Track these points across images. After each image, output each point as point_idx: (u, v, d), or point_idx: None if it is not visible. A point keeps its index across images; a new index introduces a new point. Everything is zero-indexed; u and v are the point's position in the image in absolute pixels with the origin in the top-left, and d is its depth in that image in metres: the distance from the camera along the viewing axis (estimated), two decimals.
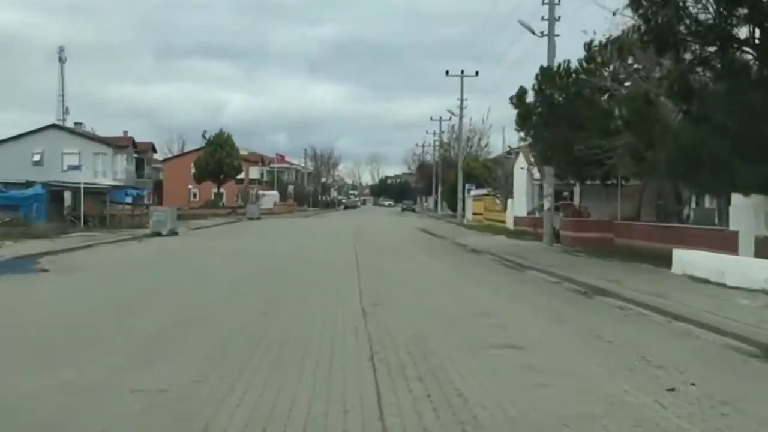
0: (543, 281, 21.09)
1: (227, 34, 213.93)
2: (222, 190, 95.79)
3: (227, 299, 15.74)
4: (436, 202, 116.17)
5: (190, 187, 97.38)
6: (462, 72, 71.21)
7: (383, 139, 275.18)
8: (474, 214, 70.44)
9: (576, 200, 39.12)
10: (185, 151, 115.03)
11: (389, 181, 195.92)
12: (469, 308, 14.65)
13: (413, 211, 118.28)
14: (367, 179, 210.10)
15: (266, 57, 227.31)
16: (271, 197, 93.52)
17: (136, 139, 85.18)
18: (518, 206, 49.01)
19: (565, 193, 39.97)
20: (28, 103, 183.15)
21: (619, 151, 28.32)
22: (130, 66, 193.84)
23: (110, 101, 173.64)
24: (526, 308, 15.18)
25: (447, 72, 71.26)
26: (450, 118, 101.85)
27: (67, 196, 51.83)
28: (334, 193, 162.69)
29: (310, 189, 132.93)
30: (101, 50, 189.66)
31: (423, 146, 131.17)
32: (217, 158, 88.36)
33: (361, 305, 14.70)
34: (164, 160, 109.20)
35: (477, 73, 73.36)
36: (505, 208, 61.57)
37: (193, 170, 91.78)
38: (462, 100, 70.13)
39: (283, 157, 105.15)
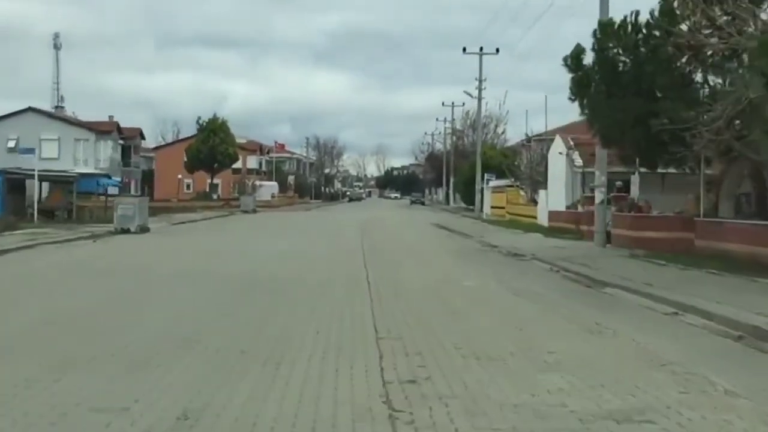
0: (650, 312, 13.94)
1: (229, 22, 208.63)
2: (217, 180, 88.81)
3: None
4: (447, 195, 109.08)
5: (180, 176, 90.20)
6: (481, 49, 64.05)
7: (389, 130, 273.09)
8: (493, 207, 63.27)
9: (634, 192, 31.92)
10: (180, 138, 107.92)
11: (395, 173, 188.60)
12: (585, 393, 7.56)
13: (423, 203, 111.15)
14: (372, 171, 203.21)
15: (269, 46, 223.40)
16: (269, 188, 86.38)
17: (127, 125, 78.05)
18: (555, 198, 41.76)
19: (618, 183, 32.78)
20: (28, 93, 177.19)
21: (708, 127, 21.24)
22: (130, 55, 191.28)
23: (109, 91, 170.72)
24: (698, 397, 7.98)
25: (464, 49, 64.02)
26: (463, 105, 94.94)
27: (30, 184, 44.67)
28: (338, 185, 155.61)
29: (313, 180, 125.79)
30: (100, 39, 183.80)
31: (433, 135, 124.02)
32: (211, 145, 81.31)
33: (385, 396, 7.51)
34: (156, 149, 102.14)
35: (497, 50, 65.93)
36: (531, 201, 54.61)
37: (184, 159, 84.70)
38: (480, 81, 62.99)
39: (282, 146, 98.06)
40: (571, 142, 41.20)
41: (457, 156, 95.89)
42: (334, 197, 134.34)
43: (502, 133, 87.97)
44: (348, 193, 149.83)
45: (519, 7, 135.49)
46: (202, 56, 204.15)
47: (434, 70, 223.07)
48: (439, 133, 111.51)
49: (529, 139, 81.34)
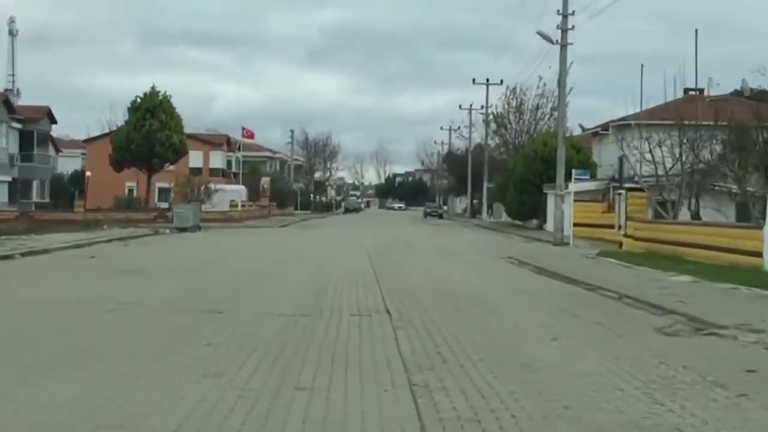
0: None
1: (218, 19, 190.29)
2: (165, 183, 63.67)
3: None
4: (474, 205, 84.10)
5: (89, 175, 64.74)
6: None
7: (389, 135, 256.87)
8: (578, 225, 38.56)
9: None
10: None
11: (399, 180, 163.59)
12: None
13: (440, 216, 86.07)
14: (371, 178, 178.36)
15: (261, 45, 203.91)
16: (230, 194, 61.22)
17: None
18: None
19: None
20: None
21: None
22: (111, 54, 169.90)
23: (88, 92, 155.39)
24: None
25: None
26: (501, 83, 70.13)
27: None
28: (331, 193, 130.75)
29: (300, 186, 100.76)
30: (79, 36, 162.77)
31: (450, 130, 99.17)
32: (146, 132, 56.37)
33: None
34: (87, 141, 77.11)
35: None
36: (657, 217, 30.79)
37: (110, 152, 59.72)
38: (566, 14, 37.82)
39: (251, 134, 72.58)
40: None
41: (495, 154, 71.09)
42: (326, 207, 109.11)
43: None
44: (344, 203, 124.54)
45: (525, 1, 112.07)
46: (189, 55, 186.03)
47: (438, 71, 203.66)
48: (458, 128, 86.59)
49: (606, 127, 56.95)
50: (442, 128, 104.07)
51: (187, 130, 63.17)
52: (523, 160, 53.80)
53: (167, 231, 41.76)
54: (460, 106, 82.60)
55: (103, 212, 51.21)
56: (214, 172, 76.41)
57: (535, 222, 55.55)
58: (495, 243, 38.20)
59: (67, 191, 73.65)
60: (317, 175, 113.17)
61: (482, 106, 71.07)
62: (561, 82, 39.24)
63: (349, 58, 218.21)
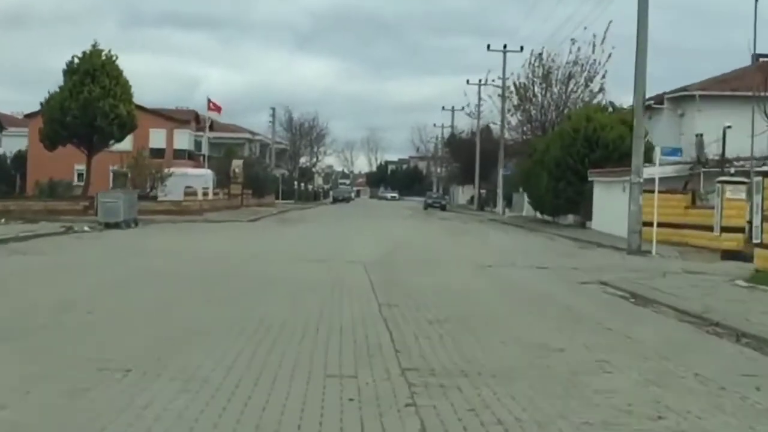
0: None
1: (203, 0, 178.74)
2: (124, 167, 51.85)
3: None
4: (482, 196, 72.76)
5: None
6: None
7: (380, 123, 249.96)
8: (663, 225, 27.34)
9: None
10: None
11: (392, 168, 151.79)
12: None
13: (443, 208, 74.41)
14: (362, 166, 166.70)
15: (247, 28, 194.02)
16: (188, 180, 49.42)
17: None
18: None
19: None
20: None
21: None
22: (90, 35, 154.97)
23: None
24: None
25: None
26: (521, 50, 58.98)
27: None
28: (319, 181, 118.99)
29: (283, 173, 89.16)
30: (59, 16, 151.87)
31: (452, 110, 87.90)
32: (85, 100, 44.71)
33: None
34: (30, 116, 65.18)
35: None
36: None
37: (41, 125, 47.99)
38: None
39: (219, 107, 60.12)
40: None
41: (510, 134, 59.64)
42: (313, 196, 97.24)
43: (599, 90, 51.63)
44: (332, 192, 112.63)
45: None
46: (172, 37, 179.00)
47: (431, 56, 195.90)
48: (466, 106, 74.88)
49: (659, 99, 46.03)
50: (444, 108, 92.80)
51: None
52: (559, 140, 42.42)
53: (86, 228, 30.26)
54: (467, 81, 71.19)
55: (19, 200, 39.63)
56: (179, 154, 64.82)
57: (571, 218, 44.28)
58: (545, 251, 26.83)
59: (8, 174, 62.36)
60: (303, 160, 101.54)
61: (491, 81, 59.47)
62: (641, 20, 27.72)
63: (338, 43, 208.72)
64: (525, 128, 53.85)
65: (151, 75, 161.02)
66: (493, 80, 64.00)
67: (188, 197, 45.40)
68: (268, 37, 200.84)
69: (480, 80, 68.96)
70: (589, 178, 39.75)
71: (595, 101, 50.71)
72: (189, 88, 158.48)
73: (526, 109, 53.23)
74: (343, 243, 26.95)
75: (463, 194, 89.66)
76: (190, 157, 62.82)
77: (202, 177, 53.49)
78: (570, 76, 52.33)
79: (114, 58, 47.21)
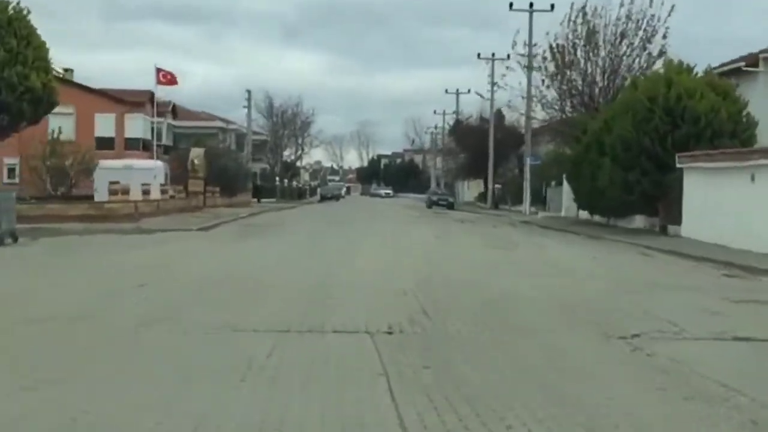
0: None
1: None
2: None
3: None
4: (496, 192, 61.37)
5: None
6: None
7: (372, 117, 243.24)
8: None
9: None
10: None
11: (384, 162, 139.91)
12: None
13: (451, 207, 62.52)
14: (351, 162, 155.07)
15: (232, 20, 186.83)
16: (134, 174, 37.67)
17: None
18: None
19: None
20: None
21: None
22: (71, 29, 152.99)
23: None
24: None
25: None
26: (552, 8, 47.75)
27: None
28: (305, 177, 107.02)
29: (265, 167, 77.32)
30: (37, 10, 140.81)
31: (457, 93, 76.49)
32: None
33: None
34: None
35: None
36: None
37: None
38: None
39: (172, 78, 46.29)
40: None
41: (536, 116, 48.06)
42: (298, 194, 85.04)
43: (659, 54, 40.00)
44: (320, 189, 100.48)
45: None
46: (155, 31, 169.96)
47: (422, 49, 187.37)
48: (495, 84, 62.77)
49: (752, 60, 34.87)
50: (447, 92, 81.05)
51: None
52: (626, 115, 30.91)
53: None
54: (478, 55, 59.56)
55: None
56: (132, 144, 53.15)
57: (640, 220, 32.95)
58: (682, 287, 15.18)
59: None
60: (286, 153, 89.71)
61: (515, 48, 47.72)
62: None
63: (327, 36, 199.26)
64: (565, 103, 42.27)
65: (133, 70, 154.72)
66: (506, 58, 52.33)
67: (115, 197, 33.51)
68: (254, 31, 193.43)
69: (493, 54, 57.57)
70: (678, 164, 28.33)
71: (655, 68, 39.16)
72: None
73: (568, 78, 41.65)
74: (328, 275, 15.43)
75: (469, 190, 77.96)
76: (146, 147, 50.90)
77: (150, 171, 41.63)
78: (622, 36, 40.92)
79: (25, 11, 35.51)
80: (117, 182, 35.11)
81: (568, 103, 42.14)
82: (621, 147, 30.60)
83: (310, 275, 15.20)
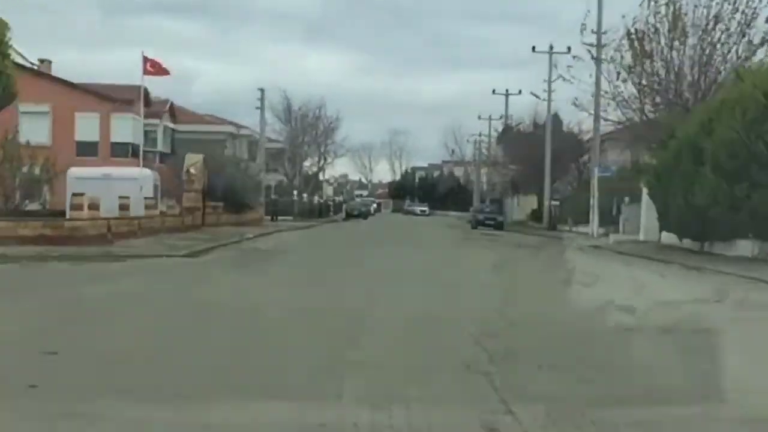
0: None
1: None
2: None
3: None
4: (553, 210, 52.94)
5: None
6: None
7: (404, 125, 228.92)
8: None
9: None
10: None
11: (420, 175, 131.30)
12: None
13: (500, 227, 53.99)
14: (382, 175, 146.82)
15: (248, 16, 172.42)
16: (115, 185, 30.02)
17: None
18: None
19: None
20: None
21: None
22: (71, 25, 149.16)
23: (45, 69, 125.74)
24: None
25: None
26: None
27: None
28: (329, 191, 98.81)
29: (282, 179, 69.26)
30: (35, 4, 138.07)
31: (506, 94, 68.21)
32: None
33: None
34: None
35: None
36: None
37: None
38: None
39: (160, 68, 37.67)
40: None
41: (609, 117, 39.72)
42: (320, 212, 76.68)
43: (762, 42, 32.24)
44: (345, 205, 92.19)
45: None
46: (163, 28, 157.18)
47: (462, 47, 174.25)
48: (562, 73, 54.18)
49: None
50: (494, 92, 72.19)
51: None
52: (737, 115, 23.06)
53: None
54: (533, 48, 51.43)
55: None
56: (120, 150, 45.33)
57: (748, 246, 25.07)
58: None
59: None
60: (307, 164, 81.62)
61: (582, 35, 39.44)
62: None
63: (353, 33, 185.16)
64: (644, 101, 34.40)
65: (138, 69, 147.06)
66: (567, 51, 44.23)
67: (78, 213, 25.63)
68: (272, 28, 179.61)
69: (551, 47, 49.47)
70: None
71: (755, 59, 31.58)
72: (183, 84, 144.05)
73: (649, 71, 33.81)
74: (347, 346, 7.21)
75: (519, 207, 69.45)
76: (134, 153, 42.92)
77: (134, 181, 33.93)
78: (716, 19, 33.04)
79: None
80: (82, 194, 27.24)
81: (649, 101, 34.50)
82: (725, 154, 23.45)
83: (316, 353, 7.04)
